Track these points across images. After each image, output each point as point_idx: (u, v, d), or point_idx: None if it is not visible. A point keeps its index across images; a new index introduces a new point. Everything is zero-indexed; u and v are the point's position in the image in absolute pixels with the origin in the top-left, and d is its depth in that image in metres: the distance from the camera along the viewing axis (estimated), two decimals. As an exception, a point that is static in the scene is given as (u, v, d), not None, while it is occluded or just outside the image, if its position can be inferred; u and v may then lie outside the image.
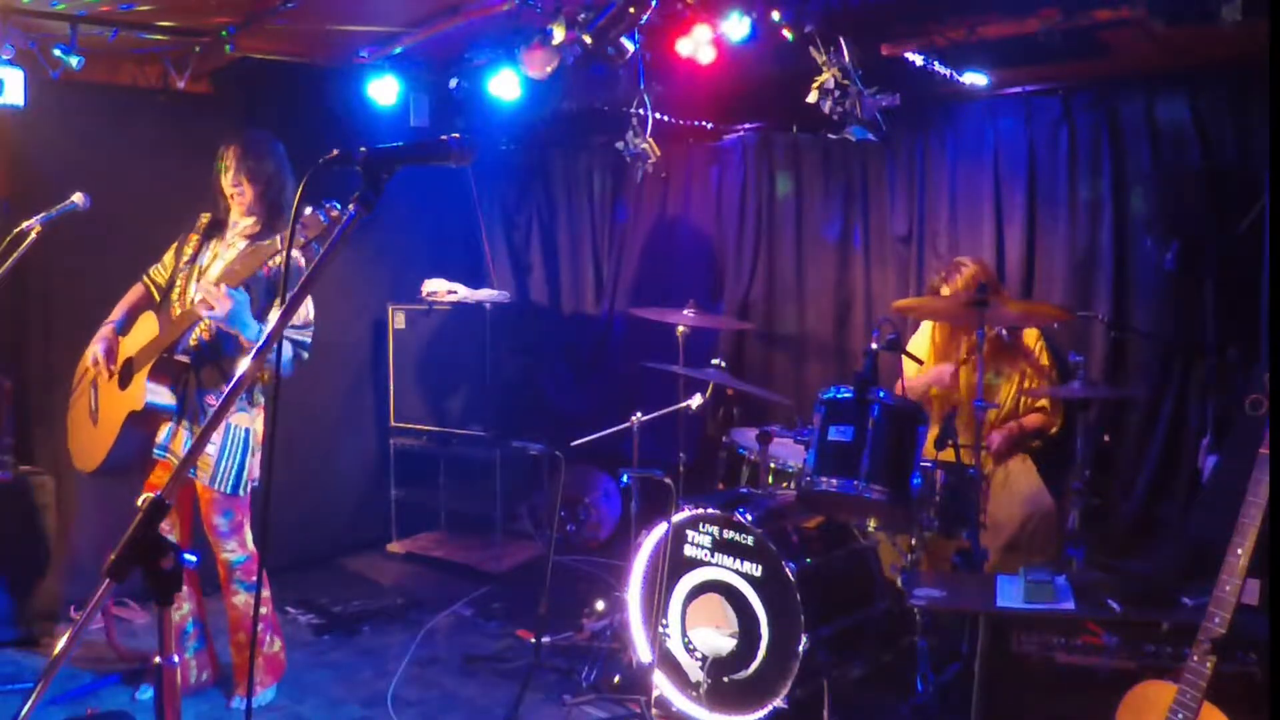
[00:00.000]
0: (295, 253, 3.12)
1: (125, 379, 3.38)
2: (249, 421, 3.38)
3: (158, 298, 3.51)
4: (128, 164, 4.23)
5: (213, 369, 3.33)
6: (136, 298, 3.57)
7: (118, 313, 3.53)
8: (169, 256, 3.54)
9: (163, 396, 3.29)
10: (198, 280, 3.33)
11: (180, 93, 4.52)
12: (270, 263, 3.16)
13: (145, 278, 3.59)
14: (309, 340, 3.41)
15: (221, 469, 3.33)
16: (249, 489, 3.40)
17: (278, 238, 3.11)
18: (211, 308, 3.09)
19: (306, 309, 3.39)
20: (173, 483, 1.46)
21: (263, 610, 3.55)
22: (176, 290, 3.40)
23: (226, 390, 1.55)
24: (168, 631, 1.36)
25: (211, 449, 3.33)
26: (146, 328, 3.37)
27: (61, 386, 4.21)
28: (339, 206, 2.79)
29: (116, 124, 4.40)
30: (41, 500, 4.05)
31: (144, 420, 3.29)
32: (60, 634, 4.03)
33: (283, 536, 4.74)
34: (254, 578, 3.42)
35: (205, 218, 3.49)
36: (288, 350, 3.34)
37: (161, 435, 3.34)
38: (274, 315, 3.28)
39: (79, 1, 3.68)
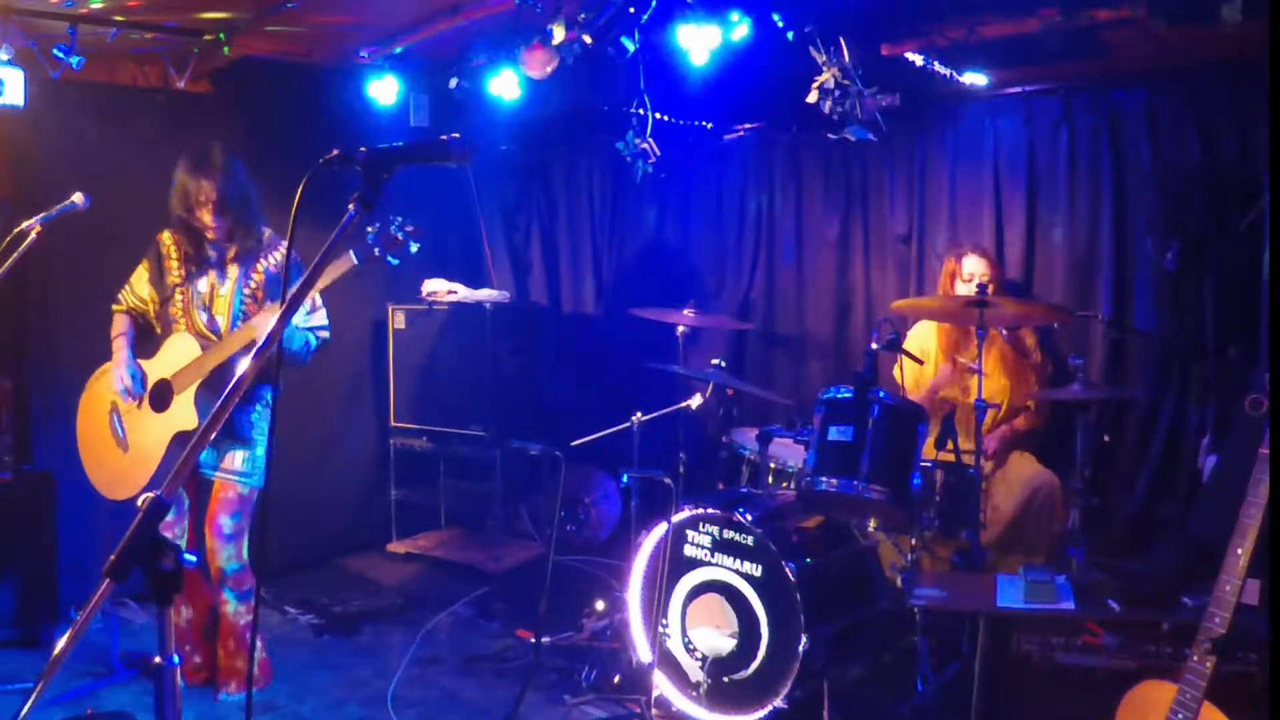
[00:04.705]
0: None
1: (161, 402, 3.40)
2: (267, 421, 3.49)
3: (155, 324, 3.52)
4: (128, 164, 4.22)
5: (252, 385, 3.39)
6: (126, 327, 3.54)
7: (124, 348, 3.49)
8: (141, 286, 3.52)
9: None
10: (205, 306, 3.41)
11: (180, 93, 4.51)
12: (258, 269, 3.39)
13: (121, 307, 3.56)
14: (325, 322, 3.50)
15: (261, 466, 3.46)
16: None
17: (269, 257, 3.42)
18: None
19: (313, 295, 3.44)
20: (175, 479, 1.45)
21: (249, 619, 3.55)
22: (180, 321, 3.42)
23: (228, 389, 1.53)
24: (168, 632, 1.36)
25: (259, 449, 3.46)
26: (180, 350, 3.38)
27: (61, 387, 4.21)
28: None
29: (116, 124, 4.40)
30: (41, 500, 4.04)
31: (189, 439, 3.29)
32: (60, 634, 4.03)
33: (283, 536, 4.75)
34: (245, 588, 3.49)
35: (167, 238, 3.48)
36: (304, 340, 3.43)
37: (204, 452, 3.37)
38: (272, 317, 3.30)
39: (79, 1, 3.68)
